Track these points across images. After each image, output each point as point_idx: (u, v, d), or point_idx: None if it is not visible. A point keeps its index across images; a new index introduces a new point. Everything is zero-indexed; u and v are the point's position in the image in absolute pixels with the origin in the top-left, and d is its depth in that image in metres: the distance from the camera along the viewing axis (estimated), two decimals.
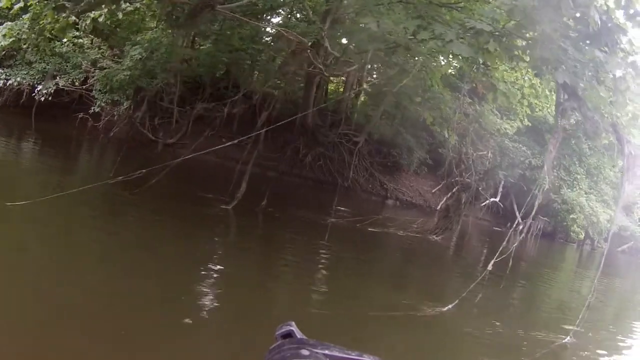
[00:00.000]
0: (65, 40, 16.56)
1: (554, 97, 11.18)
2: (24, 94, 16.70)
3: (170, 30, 14.01)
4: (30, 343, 3.54)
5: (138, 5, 15.19)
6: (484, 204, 18.38)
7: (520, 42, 8.03)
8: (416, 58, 10.94)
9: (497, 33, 7.39)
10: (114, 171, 7.65)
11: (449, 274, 9.68)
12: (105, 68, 16.58)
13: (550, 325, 6.92)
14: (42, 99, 16.36)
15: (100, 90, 16.67)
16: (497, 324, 6.29)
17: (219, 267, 6.47)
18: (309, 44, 11.45)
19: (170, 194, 9.54)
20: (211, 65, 17.09)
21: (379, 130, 18.41)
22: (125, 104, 16.82)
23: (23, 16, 14.22)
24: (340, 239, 9.74)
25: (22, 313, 3.94)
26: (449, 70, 19.52)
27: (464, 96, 13.33)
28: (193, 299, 5.05)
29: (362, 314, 5.19)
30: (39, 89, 16.54)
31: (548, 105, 15.47)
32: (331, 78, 19.50)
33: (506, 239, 6.40)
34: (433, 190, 19.47)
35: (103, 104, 16.61)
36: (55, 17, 11.25)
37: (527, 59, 8.27)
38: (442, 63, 11.99)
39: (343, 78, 19.49)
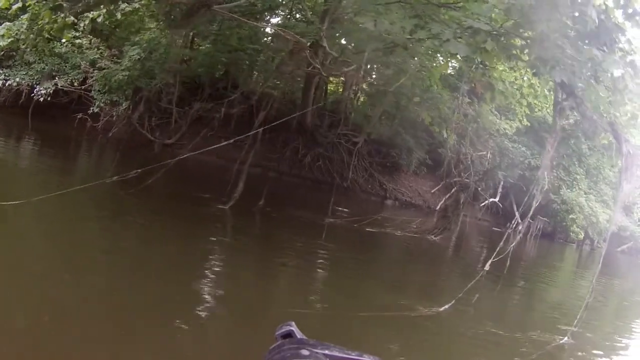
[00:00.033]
0: (64, 40, 16.57)
1: (552, 97, 11.14)
2: (23, 94, 16.72)
3: (168, 31, 14.00)
4: (29, 343, 3.53)
5: (137, 5, 15.21)
6: (483, 204, 18.35)
7: (518, 42, 8.02)
8: (415, 58, 10.92)
9: (494, 32, 7.36)
10: (111, 171, 7.65)
11: (447, 274, 9.65)
12: (104, 68, 16.59)
13: (548, 326, 6.88)
14: (41, 99, 16.37)
15: (99, 90, 16.68)
16: (494, 324, 6.25)
17: (214, 267, 6.45)
18: (308, 44, 11.45)
19: (168, 193, 9.52)
20: (210, 65, 17.08)
21: (378, 130, 18.39)
22: (124, 104, 16.82)
23: (22, 16, 14.24)
24: (338, 239, 9.71)
25: (19, 313, 3.93)
26: (449, 71, 19.54)
27: (462, 96, 13.30)
28: (190, 299, 5.03)
29: (355, 314, 5.15)
30: (37, 89, 16.56)
31: (547, 105, 15.44)
32: (331, 78, 19.50)
33: (503, 238, 6.36)
34: (432, 191, 19.44)
35: (102, 105, 16.62)
36: (53, 17, 11.24)
37: (525, 58, 8.25)
38: (441, 62, 11.96)
39: (342, 78, 19.47)
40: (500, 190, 18.20)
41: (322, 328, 4.55)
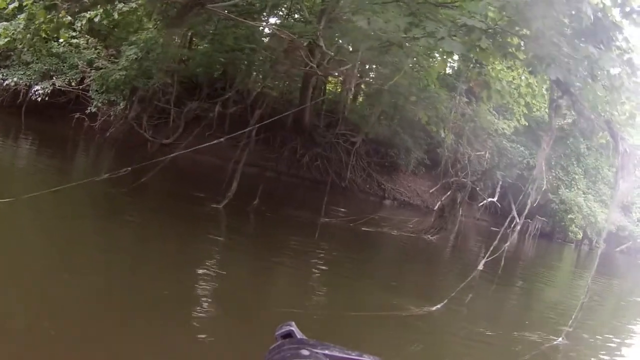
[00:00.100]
0: (61, 40, 16.56)
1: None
2: (21, 94, 16.70)
3: (165, 30, 13.97)
4: (29, 343, 3.51)
5: (134, 5, 15.18)
6: (481, 204, 18.31)
7: (514, 40, 7.97)
8: (412, 57, 10.86)
9: (489, 30, 7.32)
10: (105, 170, 7.61)
11: (443, 274, 9.59)
12: (101, 68, 16.57)
13: (543, 326, 6.82)
14: (39, 99, 16.36)
15: (96, 90, 16.65)
16: (487, 324, 6.19)
17: (208, 266, 6.40)
18: (305, 43, 11.41)
19: (163, 192, 9.49)
20: (208, 65, 17.06)
21: (376, 130, 18.36)
22: (121, 104, 16.80)
23: (19, 16, 14.22)
24: (332, 239, 9.66)
25: (18, 313, 3.91)
26: (447, 70, 19.49)
27: (460, 96, 13.25)
28: (187, 299, 5.03)
29: (346, 314, 5.10)
30: (35, 89, 16.54)
31: (545, 105, 15.35)
32: (329, 78, 19.46)
33: (497, 237, 6.31)
34: (431, 191, 19.39)
35: (99, 104, 16.59)
36: (48, 16, 11.21)
37: (522, 56, 8.20)
38: (437, 61, 11.88)
39: (341, 78, 19.45)
40: (498, 190, 18.14)
41: (312, 327, 4.51)
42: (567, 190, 20.19)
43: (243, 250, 7.68)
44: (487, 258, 5.94)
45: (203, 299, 5.27)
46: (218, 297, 5.40)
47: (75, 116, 16.40)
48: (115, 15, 15.25)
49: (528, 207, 6.79)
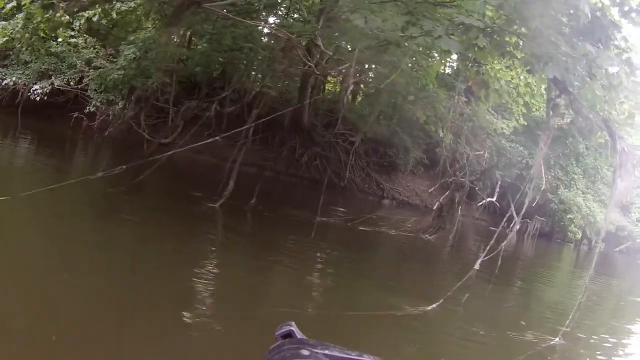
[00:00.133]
0: (60, 39, 16.55)
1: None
2: (20, 93, 16.68)
3: (162, 30, 13.96)
4: (28, 343, 3.50)
5: (132, 4, 15.17)
6: (480, 203, 18.28)
7: (512, 39, 7.95)
8: (410, 57, 10.84)
9: (487, 29, 7.29)
10: (102, 169, 7.58)
11: (440, 274, 9.55)
12: (99, 67, 16.55)
13: (541, 326, 6.79)
14: (38, 98, 16.35)
15: (95, 89, 16.63)
16: (484, 324, 6.16)
17: (203, 266, 6.37)
18: (304, 43, 11.38)
19: (160, 191, 9.48)
20: (206, 64, 17.04)
21: (375, 129, 18.33)
22: (120, 103, 16.78)
23: (17, 15, 14.21)
24: (329, 238, 9.62)
25: (16, 313, 3.90)
26: (446, 70, 19.47)
27: (459, 95, 13.22)
28: (185, 298, 5.01)
29: (340, 313, 5.07)
30: (34, 88, 16.53)
31: (544, 105, 15.32)
32: (329, 78, 19.44)
33: (494, 236, 6.27)
34: (430, 190, 19.37)
35: (98, 104, 16.57)
36: (46, 16, 11.19)
37: (519, 55, 8.18)
38: (435, 60, 11.87)
39: (340, 78, 19.43)
40: (497, 189, 18.10)
41: (308, 327, 4.47)
42: (566, 190, 20.17)
43: (239, 249, 7.66)
44: (483, 257, 5.90)
45: (202, 298, 5.25)
46: (216, 297, 5.38)
47: (74, 116, 16.38)
48: (114, 15, 15.27)
49: (525, 206, 6.75)
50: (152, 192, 9.19)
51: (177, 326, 4.27)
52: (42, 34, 14.03)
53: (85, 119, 16.39)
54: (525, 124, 15.37)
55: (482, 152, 16.77)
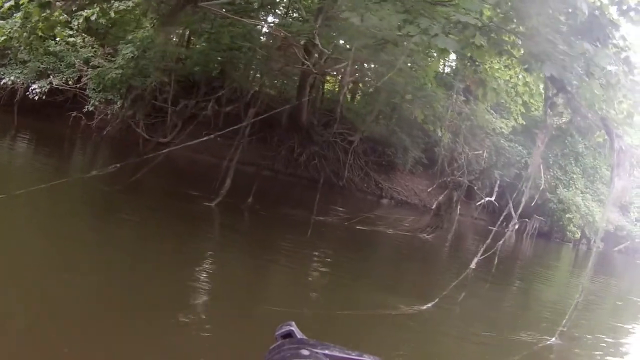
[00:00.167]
0: (58, 39, 16.52)
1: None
2: (18, 93, 16.66)
3: (159, 29, 13.94)
4: (28, 343, 3.49)
5: (130, 4, 15.14)
6: (479, 203, 18.25)
7: (510, 38, 7.93)
8: (407, 56, 10.80)
9: (484, 27, 7.26)
10: (99, 168, 7.55)
11: (438, 273, 9.52)
12: (98, 67, 16.52)
13: (538, 326, 6.75)
14: (36, 97, 16.33)
15: (93, 89, 16.60)
16: (481, 323, 6.13)
17: (200, 265, 6.35)
18: (302, 42, 11.35)
19: (158, 190, 9.46)
20: (205, 64, 17.01)
21: (373, 129, 18.30)
22: (118, 102, 16.75)
23: (15, 14, 14.19)
24: (325, 237, 9.57)
25: (16, 313, 3.88)
26: (445, 70, 19.44)
27: (457, 94, 13.20)
28: (183, 298, 4.98)
29: (333, 313, 5.03)
30: (32, 87, 16.51)
31: (543, 104, 15.30)
32: (327, 78, 19.41)
33: (490, 236, 6.24)
34: (428, 190, 19.33)
35: (97, 103, 16.54)
36: (43, 14, 11.16)
37: (517, 54, 8.15)
38: (434, 60, 11.86)
39: (339, 77, 19.41)
40: (496, 189, 18.07)
41: (300, 326, 4.44)
42: (565, 189, 20.14)
43: (236, 248, 7.64)
44: (479, 256, 5.87)
45: (199, 298, 5.25)
46: (213, 296, 5.38)
47: (72, 115, 16.36)
48: (112, 14, 15.25)
49: (522, 205, 6.73)
50: (149, 191, 9.16)
51: (176, 326, 4.27)
52: (40, 33, 14.01)
53: (83, 118, 16.36)
54: (524, 123, 15.37)
55: (481, 152, 16.75)
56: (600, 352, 6.37)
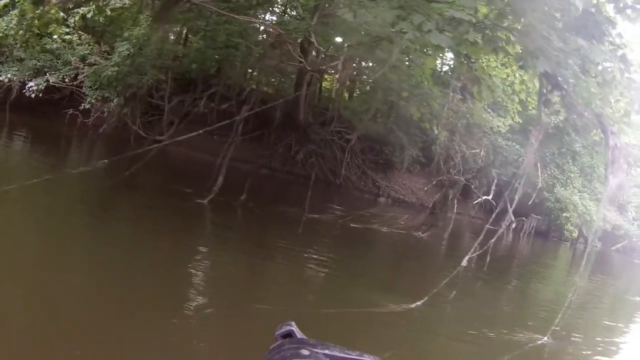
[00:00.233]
0: (55, 36, 16.48)
1: None
2: (14, 90, 16.61)
3: (154, 26, 13.89)
4: (28, 343, 3.47)
5: (127, 1, 15.09)
6: (476, 202, 18.20)
7: (504, 35, 7.87)
8: (403, 54, 10.74)
9: (478, 24, 7.21)
10: (87, 165, 7.53)
11: (434, 271, 9.44)
12: (94, 64, 16.47)
13: (532, 325, 6.68)
14: (33, 95, 16.29)
15: (90, 86, 16.56)
16: (472, 322, 6.06)
17: (187, 263, 6.31)
18: (299, 40, 11.29)
19: (150, 187, 9.43)
20: (202, 61, 16.97)
21: (371, 127, 18.25)
22: (115, 100, 16.71)
23: (11, 12, 14.15)
24: (317, 235, 9.48)
25: (15, 313, 3.87)
26: (443, 68, 19.37)
27: (454, 93, 13.14)
28: (183, 298, 4.95)
29: (320, 311, 4.98)
30: (29, 85, 16.47)
31: (537, 101, 15.22)
32: (325, 76, 19.35)
33: (482, 233, 6.19)
34: (426, 188, 19.28)
35: (93, 101, 16.50)
36: (37, 12, 11.11)
37: (512, 51, 8.10)
38: (428, 57, 11.78)
39: (337, 75, 19.34)
40: (493, 188, 18.01)
41: (270, 325, 4.39)
42: (563, 188, 20.08)
43: (229, 246, 7.60)
44: (471, 254, 5.82)
45: (198, 297, 5.25)
46: (211, 296, 5.36)
47: (69, 112, 16.32)
48: (108, 12, 15.20)
49: (515, 201, 6.68)
50: (144, 188, 9.14)
51: (176, 325, 4.28)
52: (36, 31, 13.98)
53: (80, 116, 16.32)
54: (521, 122, 15.31)
55: (478, 150, 16.70)
56: (591, 352, 6.31)
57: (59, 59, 16.93)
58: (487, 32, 7.56)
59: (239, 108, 10.87)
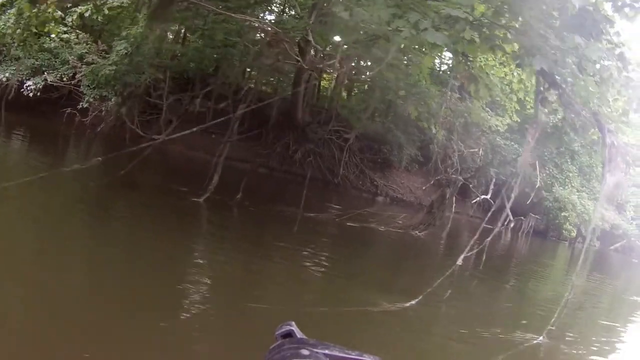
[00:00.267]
0: (52, 35, 16.45)
1: None
2: (12, 89, 16.59)
3: (151, 24, 13.87)
4: (28, 342, 3.46)
5: (124, 0, 15.06)
6: (474, 201, 18.18)
7: (501, 33, 7.84)
8: (398, 51, 10.71)
9: (475, 22, 7.19)
10: (82, 163, 7.50)
11: (431, 270, 9.41)
12: (92, 63, 16.45)
13: (528, 324, 6.66)
14: (31, 94, 16.27)
15: (88, 85, 16.54)
16: (467, 321, 6.03)
17: (185, 260, 6.29)
18: (297, 39, 11.26)
19: (147, 186, 9.40)
20: (199, 60, 16.95)
21: (369, 126, 18.24)
22: (112, 99, 16.68)
23: (8, 11, 14.13)
24: (314, 234, 9.45)
25: (15, 313, 3.86)
26: (441, 67, 19.34)
27: (452, 91, 13.11)
28: (177, 298, 4.96)
29: (312, 309, 4.94)
30: (27, 84, 16.44)
31: (534, 99, 15.20)
32: (324, 75, 19.33)
33: (478, 231, 6.15)
34: (424, 187, 19.27)
35: (91, 100, 16.48)
36: (34, 10, 11.09)
37: (509, 49, 8.07)
38: (427, 55, 11.75)
39: (335, 75, 19.33)
40: (492, 187, 17.99)
41: (262, 324, 4.38)
42: (561, 188, 20.08)
43: (225, 244, 7.57)
44: (467, 253, 5.79)
45: (197, 297, 5.23)
46: (209, 295, 5.36)
47: (67, 111, 16.29)
48: (106, 11, 15.17)
49: (511, 200, 6.65)
50: (140, 186, 9.13)
51: (176, 325, 4.26)
52: (33, 30, 13.96)
53: (78, 114, 16.30)
54: (519, 121, 15.28)
55: (476, 150, 16.67)
56: (586, 351, 6.27)
57: (57, 57, 16.91)
58: (484, 30, 7.53)
59: (235, 107, 10.83)
